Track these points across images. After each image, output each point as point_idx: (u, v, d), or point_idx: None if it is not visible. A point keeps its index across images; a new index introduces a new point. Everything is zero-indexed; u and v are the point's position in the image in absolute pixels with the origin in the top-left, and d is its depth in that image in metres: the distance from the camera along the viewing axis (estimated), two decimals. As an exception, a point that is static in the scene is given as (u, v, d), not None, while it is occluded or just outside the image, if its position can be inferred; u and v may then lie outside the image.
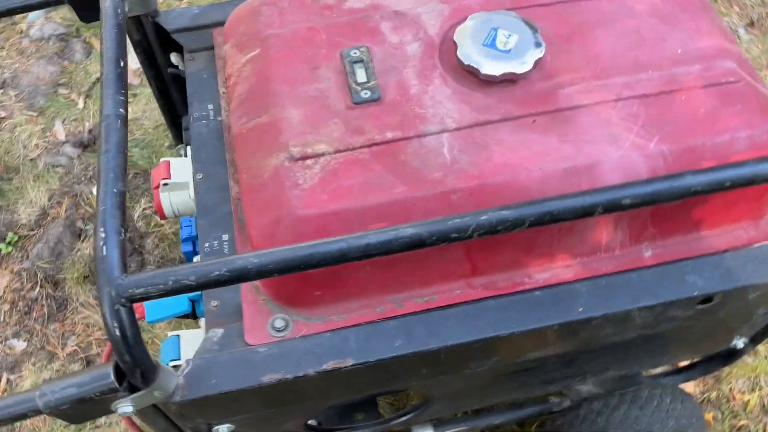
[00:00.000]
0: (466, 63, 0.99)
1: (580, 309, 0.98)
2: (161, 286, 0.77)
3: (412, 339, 0.96)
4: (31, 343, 1.78)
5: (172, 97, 1.47)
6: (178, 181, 1.16)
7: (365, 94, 1.00)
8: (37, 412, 0.83)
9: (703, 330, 1.20)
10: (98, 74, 2.23)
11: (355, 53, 1.04)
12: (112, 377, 0.81)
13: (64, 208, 1.95)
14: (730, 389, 1.69)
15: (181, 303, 1.04)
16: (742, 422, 1.65)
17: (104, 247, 0.78)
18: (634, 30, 1.05)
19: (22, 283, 1.85)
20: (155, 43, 1.33)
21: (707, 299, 1.01)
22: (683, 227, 1.03)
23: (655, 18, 1.07)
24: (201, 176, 1.13)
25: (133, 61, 2.21)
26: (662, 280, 1.01)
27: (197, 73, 1.26)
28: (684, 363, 1.47)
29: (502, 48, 1.00)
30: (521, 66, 0.99)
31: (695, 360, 1.43)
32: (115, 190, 0.82)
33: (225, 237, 1.07)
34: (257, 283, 1.01)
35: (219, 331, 0.98)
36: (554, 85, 1.01)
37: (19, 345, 1.77)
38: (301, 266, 0.78)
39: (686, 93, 1.00)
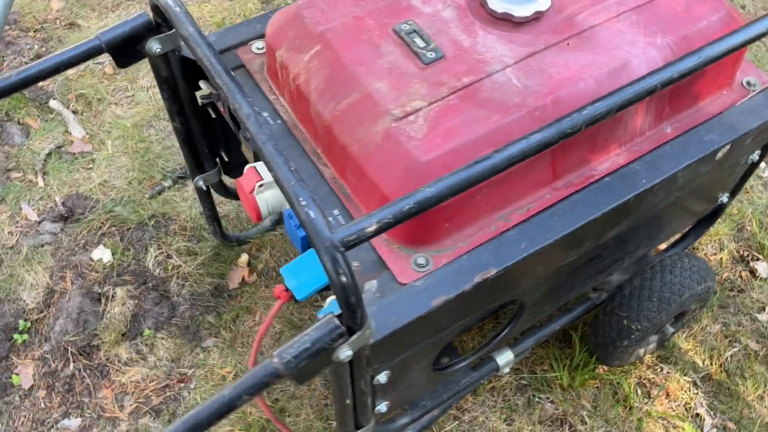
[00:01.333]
0: (500, 12, 1.21)
1: (644, 181, 1.22)
2: (368, 229, 0.91)
3: (533, 239, 1.15)
4: (86, 417, 1.74)
5: (192, 131, 1.55)
6: (269, 180, 1.26)
7: (431, 55, 1.17)
8: (276, 376, 0.92)
9: (704, 191, 1.49)
10: (47, 150, 2.20)
11: (406, 26, 1.21)
12: (340, 323, 0.92)
13: (70, 281, 1.92)
14: (704, 254, 2.03)
15: (323, 275, 1.15)
16: (723, 275, 1.98)
17: (309, 212, 0.89)
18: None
19: (50, 366, 1.81)
20: (180, 76, 1.41)
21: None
22: (688, 102, 1.31)
23: None
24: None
25: (77, 130, 2.23)
26: (688, 145, 1.28)
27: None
28: (677, 236, 1.77)
29: (522, -5, 1.22)
30: (544, 4, 1.22)
31: (688, 228, 1.74)
32: (291, 167, 0.94)
33: (335, 212, 1.19)
34: (386, 236, 1.15)
35: (373, 283, 1.11)
36: (569, 16, 1.24)
37: (74, 423, 1.73)
38: (465, 186, 0.95)
39: (668, -1, 1.28)
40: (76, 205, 2.09)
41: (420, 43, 1.19)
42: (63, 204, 2.09)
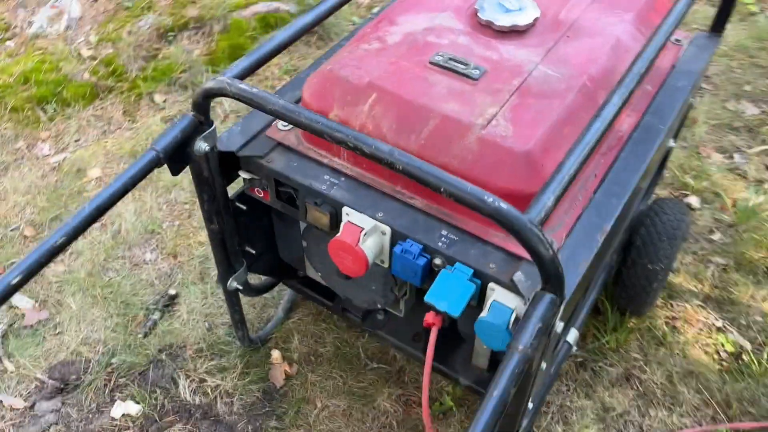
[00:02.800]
0: (508, 26, 1.40)
1: (660, 126, 1.46)
2: (548, 204, 1.01)
3: (618, 195, 1.32)
4: None
5: (225, 230, 1.52)
6: (369, 228, 1.29)
7: (476, 72, 1.32)
8: (526, 361, 0.97)
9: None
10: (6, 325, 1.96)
11: (440, 57, 1.35)
12: (554, 294, 1.00)
13: (101, 450, 1.71)
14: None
15: (469, 286, 1.20)
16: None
17: (500, 204, 0.97)
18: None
19: None
20: (217, 173, 1.40)
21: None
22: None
23: None
24: (381, 214, 1.30)
25: (24, 302, 2.02)
26: (670, 93, 1.55)
27: (285, 168, 1.39)
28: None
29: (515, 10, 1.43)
30: (537, 11, 1.43)
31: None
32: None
33: (444, 232, 1.27)
34: (505, 234, 1.24)
35: (519, 274, 1.18)
36: (555, 16, 1.47)
37: None
38: (587, 156, 1.10)
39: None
40: (65, 373, 1.87)
41: (460, 66, 1.33)
42: (50, 377, 1.86)
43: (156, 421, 1.75)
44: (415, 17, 1.48)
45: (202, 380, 1.83)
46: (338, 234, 1.31)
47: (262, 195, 1.48)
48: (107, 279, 2.10)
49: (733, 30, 3.13)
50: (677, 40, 1.70)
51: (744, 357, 1.92)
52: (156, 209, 2.30)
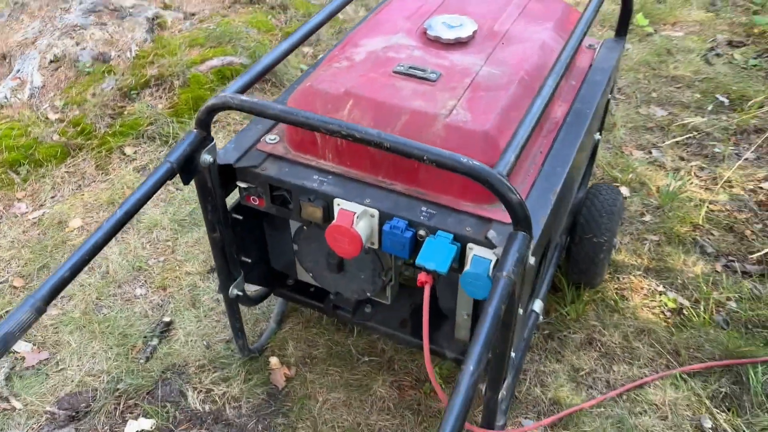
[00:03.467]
0: (453, 38, 1.68)
1: (587, 111, 1.75)
2: (511, 159, 1.26)
3: (562, 164, 1.58)
4: None
5: (225, 239, 1.71)
6: (361, 212, 1.50)
7: (434, 75, 1.58)
8: (509, 291, 1.19)
9: (592, 131, 2.09)
10: (2, 377, 2.04)
11: (401, 67, 1.61)
12: (526, 233, 1.24)
13: (120, 465, 1.80)
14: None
15: (451, 248, 1.43)
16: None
17: (474, 162, 1.22)
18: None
19: None
20: (218, 184, 1.60)
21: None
22: (573, 63, 1.90)
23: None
24: (368, 200, 1.52)
25: (22, 346, 2.12)
26: (591, 86, 1.85)
27: (278, 173, 1.60)
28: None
29: (457, 26, 1.71)
30: (474, 25, 1.72)
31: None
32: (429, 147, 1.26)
33: (423, 209, 1.49)
34: (478, 203, 1.48)
35: (492, 232, 1.41)
36: (490, 28, 1.77)
37: None
38: (532, 128, 1.36)
39: (530, 4, 1.88)
40: (74, 403, 1.97)
41: (420, 72, 1.60)
42: (60, 408, 1.95)
43: (172, 431, 1.86)
44: (375, 39, 1.75)
45: (209, 390, 1.96)
46: (334, 221, 1.51)
47: (257, 202, 1.68)
48: (102, 315, 2.21)
49: (635, 49, 3.57)
50: (591, 46, 2.03)
51: (685, 312, 2.20)
52: (140, 248, 2.44)
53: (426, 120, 1.49)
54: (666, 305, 2.22)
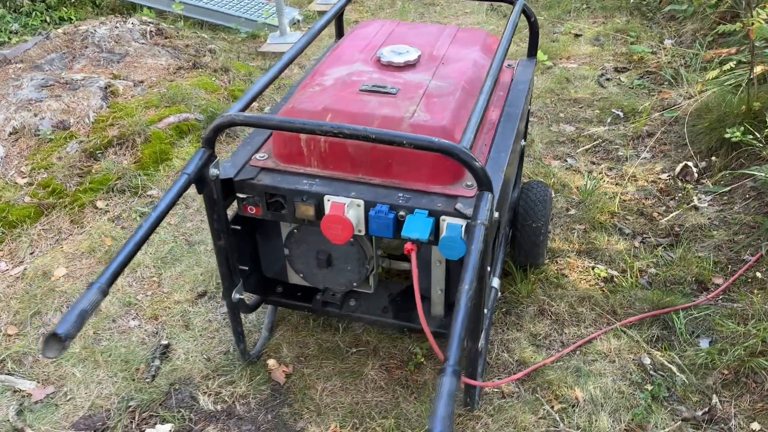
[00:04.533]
0: (402, 62, 2.06)
1: (517, 111, 2.16)
2: (469, 137, 1.63)
3: (505, 150, 1.96)
4: None
5: (228, 247, 1.97)
6: (349, 203, 1.81)
7: (394, 90, 1.95)
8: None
9: (519, 137, 2.50)
10: (14, 413, 2.16)
11: (366, 87, 1.97)
12: (490, 192, 1.59)
13: (146, 467, 1.96)
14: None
15: (428, 221, 1.75)
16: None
17: (442, 140, 1.57)
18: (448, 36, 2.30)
19: None
20: (221, 196, 1.88)
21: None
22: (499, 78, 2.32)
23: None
24: (354, 193, 1.83)
25: (26, 384, 2.25)
26: (516, 94, 2.27)
27: (273, 182, 1.89)
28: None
29: (404, 52, 2.10)
30: (417, 51, 2.11)
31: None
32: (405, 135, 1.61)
33: (400, 194, 1.82)
34: (442, 185, 1.82)
35: (459, 204, 1.76)
36: (431, 53, 2.16)
37: None
38: (480, 118, 1.74)
39: (458, 33, 2.29)
40: (90, 424, 2.11)
41: (382, 89, 1.96)
42: (77, 430, 2.09)
43: (191, 430, 2.04)
44: (338, 68, 2.10)
45: (218, 392, 2.16)
46: (327, 213, 1.81)
47: (254, 211, 1.95)
48: (102, 346, 2.38)
49: (539, 80, 4.12)
50: (509, 65, 2.47)
51: (615, 279, 2.60)
52: (126, 286, 2.63)
53: (394, 122, 1.84)
54: (599, 276, 2.61)
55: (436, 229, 1.79)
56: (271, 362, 2.28)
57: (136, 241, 1.53)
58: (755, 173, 2.88)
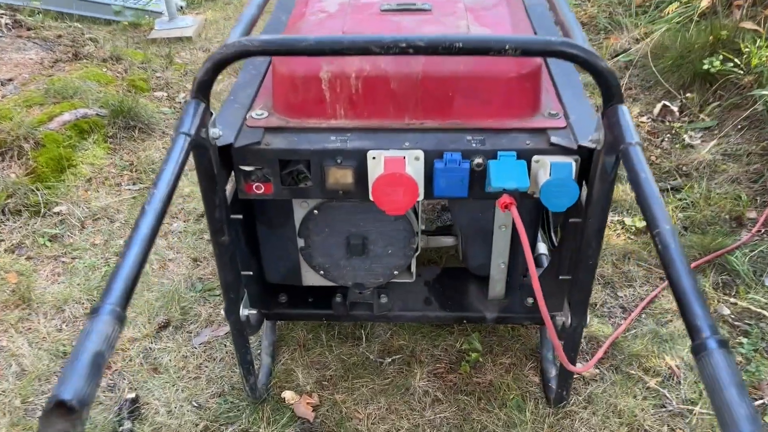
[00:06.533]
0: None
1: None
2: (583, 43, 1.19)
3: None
4: None
5: (233, 242, 1.41)
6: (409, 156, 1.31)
7: (427, 6, 1.48)
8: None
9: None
10: None
11: (388, 6, 1.49)
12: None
13: None
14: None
15: (521, 163, 1.30)
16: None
17: (561, 40, 1.13)
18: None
19: None
20: (219, 165, 1.31)
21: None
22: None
23: None
24: (407, 143, 1.34)
25: None
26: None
27: (289, 144, 1.35)
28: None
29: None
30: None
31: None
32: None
33: (468, 137, 1.36)
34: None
35: (556, 138, 1.32)
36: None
37: None
38: None
39: None
40: None
41: (412, 6, 1.48)
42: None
43: None
44: (337, -6, 1.59)
45: (232, 448, 1.57)
46: (382, 173, 1.30)
47: (262, 189, 1.40)
48: (37, 420, 1.69)
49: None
50: None
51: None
52: (55, 332, 1.93)
53: (449, 41, 1.37)
54: (630, 229, 2.29)
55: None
56: (288, 395, 1.71)
57: (147, 234, 0.93)
58: (764, 92, 2.66)
